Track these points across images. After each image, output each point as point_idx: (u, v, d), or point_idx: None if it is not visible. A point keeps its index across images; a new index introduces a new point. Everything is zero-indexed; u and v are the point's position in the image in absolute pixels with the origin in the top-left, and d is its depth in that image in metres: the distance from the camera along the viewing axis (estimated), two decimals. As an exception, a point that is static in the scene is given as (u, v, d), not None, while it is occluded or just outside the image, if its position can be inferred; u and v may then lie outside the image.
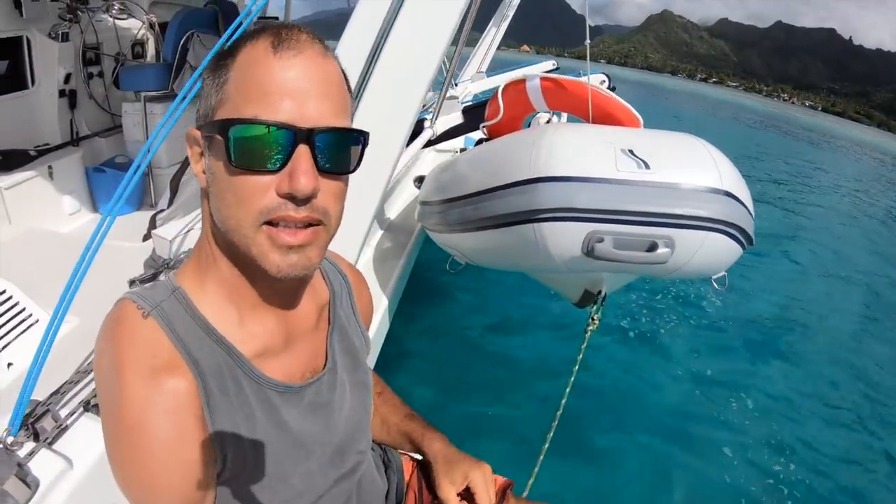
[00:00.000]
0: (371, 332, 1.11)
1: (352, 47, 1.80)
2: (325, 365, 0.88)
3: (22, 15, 3.09)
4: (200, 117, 0.72)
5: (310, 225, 0.69)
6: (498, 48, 7.31)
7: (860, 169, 26.34)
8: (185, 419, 0.68)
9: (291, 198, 0.66)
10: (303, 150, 0.65)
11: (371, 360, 1.83)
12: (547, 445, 2.04)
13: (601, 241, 1.78)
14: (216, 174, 0.69)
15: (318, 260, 0.72)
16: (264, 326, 0.79)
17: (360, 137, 0.71)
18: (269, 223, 0.67)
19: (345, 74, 0.74)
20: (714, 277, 2.14)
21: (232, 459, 0.73)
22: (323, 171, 0.67)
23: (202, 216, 0.76)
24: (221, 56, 0.71)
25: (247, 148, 0.64)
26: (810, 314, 6.35)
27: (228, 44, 1.62)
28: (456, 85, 6.49)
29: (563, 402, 2.08)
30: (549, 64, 6.62)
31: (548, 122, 3.61)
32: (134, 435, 0.66)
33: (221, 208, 0.69)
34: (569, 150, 1.88)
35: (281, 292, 0.80)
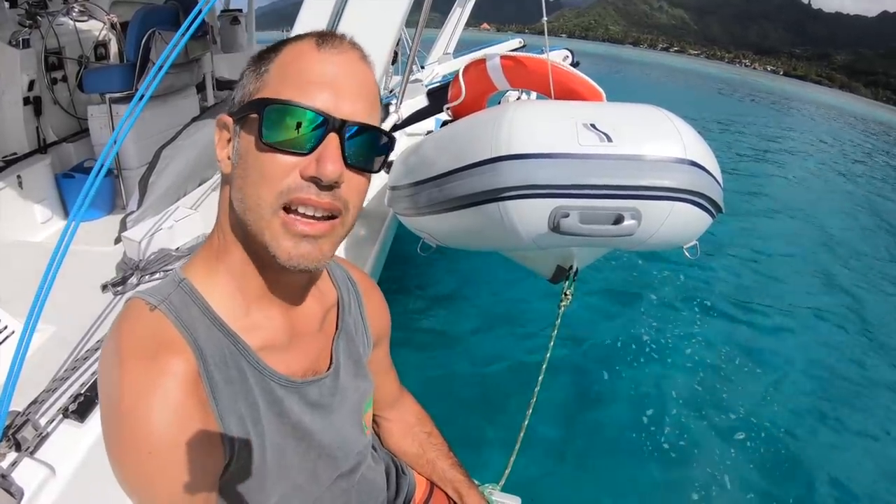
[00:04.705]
0: None
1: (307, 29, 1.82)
2: (328, 367, 0.90)
3: None
4: (235, 105, 0.75)
5: (330, 217, 0.71)
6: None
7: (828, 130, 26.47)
8: (187, 403, 0.67)
9: (316, 182, 0.68)
10: (333, 138, 0.68)
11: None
12: (526, 422, 2.07)
13: (567, 216, 1.79)
14: (244, 154, 0.71)
15: (330, 254, 0.74)
16: (269, 320, 0.81)
17: (388, 141, 0.75)
18: (287, 209, 0.69)
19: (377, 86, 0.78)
20: (685, 247, 2.15)
21: (238, 449, 0.74)
22: (349, 163, 0.70)
23: (219, 205, 0.78)
24: (265, 51, 0.74)
25: (279, 127, 0.67)
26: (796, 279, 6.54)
27: (185, 38, 1.61)
28: (423, 68, 6.46)
29: (540, 378, 2.11)
30: (516, 42, 6.59)
31: (517, 99, 3.60)
32: (133, 418, 0.64)
33: (244, 187, 0.71)
34: (529, 127, 1.87)
35: (287, 285, 0.81)
